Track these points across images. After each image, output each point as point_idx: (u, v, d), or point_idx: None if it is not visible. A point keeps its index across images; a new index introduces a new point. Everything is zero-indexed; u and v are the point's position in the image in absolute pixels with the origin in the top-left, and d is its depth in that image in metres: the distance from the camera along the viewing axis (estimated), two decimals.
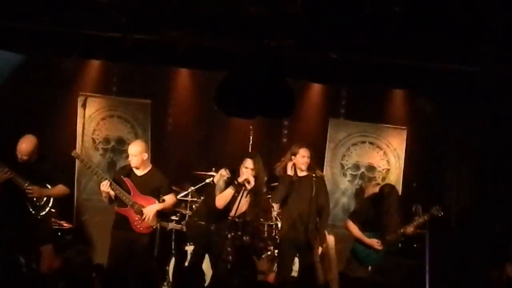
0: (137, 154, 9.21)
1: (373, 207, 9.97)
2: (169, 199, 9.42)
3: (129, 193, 9.17)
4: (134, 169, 9.29)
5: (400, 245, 10.28)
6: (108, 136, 11.76)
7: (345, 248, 10.42)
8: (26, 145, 9.22)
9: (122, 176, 9.27)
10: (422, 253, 10.94)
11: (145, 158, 9.25)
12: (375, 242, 9.77)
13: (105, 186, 9.06)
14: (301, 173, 9.60)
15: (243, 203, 9.30)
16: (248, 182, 9.21)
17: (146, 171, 9.34)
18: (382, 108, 12.08)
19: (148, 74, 11.60)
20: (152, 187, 9.27)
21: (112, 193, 9.09)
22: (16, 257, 7.80)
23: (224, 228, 9.36)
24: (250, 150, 9.66)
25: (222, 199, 9.29)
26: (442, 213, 9.90)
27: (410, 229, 9.81)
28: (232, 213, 9.28)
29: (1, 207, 9.29)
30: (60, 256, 9.29)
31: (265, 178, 10.87)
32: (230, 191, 9.24)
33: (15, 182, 9.13)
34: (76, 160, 11.04)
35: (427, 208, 9.97)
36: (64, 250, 9.74)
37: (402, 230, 9.79)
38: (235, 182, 9.23)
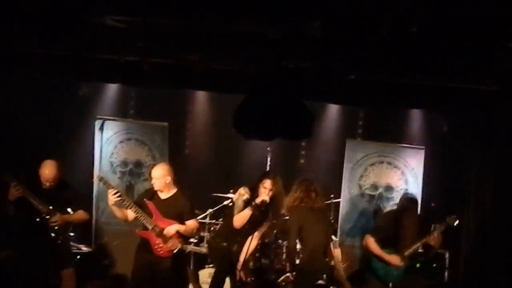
0: (159, 177, 9.18)
1: (393, 222, 9.96)
2: (191, 223, 9.38)
3: (151, 216, 9.13)
4: (158, 192, 9.27)
5: (418, 265, 10.29)
6: (126, 159, 11.76)
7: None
8: (49, 171, 9.26)
9: (145, 199, 9.25)
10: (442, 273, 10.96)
11: (167, 182, 9.21)
12: (395, 258, 9.73)
13: (111, 193, 9.03)
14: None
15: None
16: (266, 203, 9.24)
17: (170, 194, 9.30)
18: (400, 128, 12.09)
19: (166, 97, 11.64)
20: (175, 211, 9.21)
21: (115, 200, 9.07)
22: (39, 281, 7.81)
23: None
24: (268, 171, 9.68)
25: (239, 219, 9.30)
26: (457, 222, 9.88)
27: (428, 241, 9.78)
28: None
29: (22, 232, 9.34)
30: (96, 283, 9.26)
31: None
32: (247, 212, 9.25)
33: (36, 207, 9.17)
34: (94, 184, 11.11)
35: (442, 219, 9.99)
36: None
37: (419, 244, 9.77)
38: (253, 203, 9.24)
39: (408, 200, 10.08)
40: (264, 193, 9.25)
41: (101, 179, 9.59)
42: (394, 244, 9.78)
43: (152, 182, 9.24)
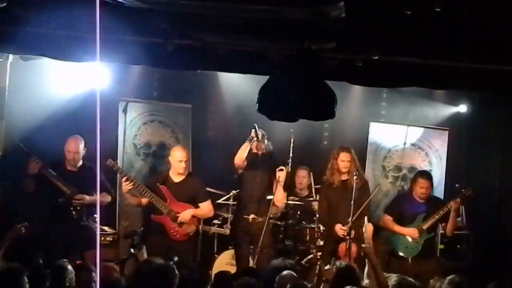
0: (185, 159, 9.23)
1: (407, 198, 10.01)
2: (205, 206, 9.40)
3: (165, 200, 9.15)
4: (171, 176, 9.28)
5: (442, 246, 10.33)
6: (150, 141, 11.78)
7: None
8: (74, 144, 9.35)
9: (158, 184, 9.26)
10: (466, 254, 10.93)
11: (187, 164, 9.29)
12: (413, 231, 9.76)
13: (123, 181, 9.12)
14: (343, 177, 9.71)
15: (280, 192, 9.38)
16: (256, 136, 9.44)
17: (183, 177, 9.32)
18: (423, 110, 12.01)
19: (189, 79, 11.61)
20: (189, 194, 9.26)
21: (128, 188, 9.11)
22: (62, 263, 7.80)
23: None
24: (291, 154, 9.68)
25: (238, 156, 9.50)
26: (471, 192, 9.88)
27: (448, 208, 9.77)
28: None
29: (47, 214, 9.41)
30: None
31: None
32: (245, 145, 9.53)
33: (61, 189, 9.22)
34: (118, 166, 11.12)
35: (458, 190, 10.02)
36: None
37: (438, 216, 9.77)
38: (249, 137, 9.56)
39: (418, 175, 10.12)
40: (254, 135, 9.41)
41: (112, 165, 9.59)
42: (410, 220, 9.84)
43: (175, 164, 9.23)
